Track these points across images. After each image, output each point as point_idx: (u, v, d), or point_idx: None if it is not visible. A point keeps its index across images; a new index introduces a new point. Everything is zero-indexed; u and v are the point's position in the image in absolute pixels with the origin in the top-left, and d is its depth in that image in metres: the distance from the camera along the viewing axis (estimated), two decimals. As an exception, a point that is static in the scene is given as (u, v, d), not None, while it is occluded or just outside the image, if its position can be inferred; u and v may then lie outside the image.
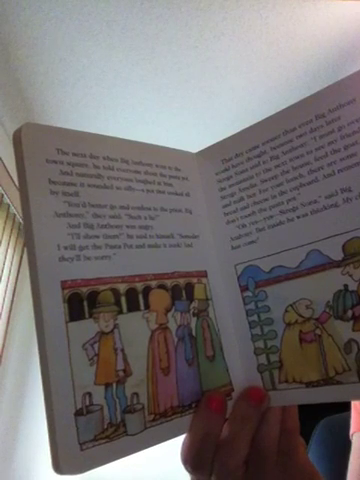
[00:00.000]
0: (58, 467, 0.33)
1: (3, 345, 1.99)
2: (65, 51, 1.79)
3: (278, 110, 0.44)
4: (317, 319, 0.41)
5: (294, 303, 0.42)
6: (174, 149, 0.47)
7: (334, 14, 1.68)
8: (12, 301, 2.10)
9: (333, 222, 0.41)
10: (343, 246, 0.40)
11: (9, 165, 1.94)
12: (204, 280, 0.44)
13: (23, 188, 0.37)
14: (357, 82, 0.42)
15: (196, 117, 2.19)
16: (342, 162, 0.41)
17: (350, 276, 0.39)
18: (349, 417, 0.87)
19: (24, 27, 1.67)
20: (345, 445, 0.82)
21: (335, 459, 0.94)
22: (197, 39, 1.77)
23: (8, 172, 1.96)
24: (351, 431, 0.84)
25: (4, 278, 2.01)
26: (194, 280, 0.44)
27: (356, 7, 1.65)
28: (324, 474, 0.93)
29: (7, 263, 2.03)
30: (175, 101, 2.09)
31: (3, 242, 2.01)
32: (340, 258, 0.40)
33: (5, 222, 2.05)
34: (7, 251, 2.04)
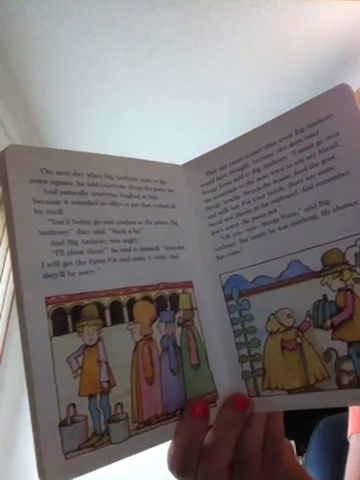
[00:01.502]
0: (43, 475, 0.34)
1: (3, 345, 2.00)
2: (65, 51, 1.80)
3: (277, 110, 0.45)
4: (298, 328, 0.42)
5: (276, 312, 0.43)
6: (160, 162, 0.48)
7: (334, 14, 1.68)
8: (12, 301, 2.10)
9: (312, 234, 0.42)
10: (322, 257, 0.41)
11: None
12: (189, 290, 0.45)
13: (8, 209, 0.38)
14: (334, 98, 0.42)
15: (195, 117, 2.20)
16: (320, 176, 0.42)
17: (329, 286, 0.40)
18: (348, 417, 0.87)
19: (24, 27, 1.68)
20: (345, 445, 0.82)
21: (335, 459, 0.95)
22: (197, 39, 1.78)
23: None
24: (349, 432, 0.85)
25: (4, 278, 2.02)
26: (179, 290, 0.45)
27: (356, 7, 1.65)
28: (324, 474, 0.95)
29: (7, 263, 2.04)
30: (175, 101, 2.09)
31: (3, 242, 2.01)
32: (319, 269, 0.41)
33: (5, 222, 2.05)
34: (7, 251, 2.05)
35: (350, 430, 0.85)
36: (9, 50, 1.77)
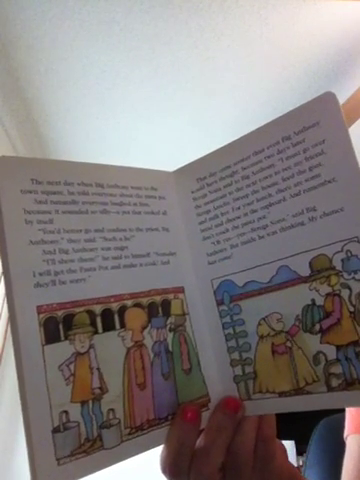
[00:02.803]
0: None
1: (3, 345, 2.00)
2: (65, 51, 1.80)
3: (277, 110, 0.46)
4: (288, 332, 0.42)
5: (266, 317, 0.43)
6: (151, 169, 0.49)
7: (334, 14, 1.68)
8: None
9: (300, 240, 0.43)
10: (310, 263, 0.42)
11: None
12: (181, 295, 0.46)
13: None
14: (320, 106, 0.43)
15: (196, 117, 2.19)
16: (307, 183, 0.43)
17: (317, 291, 0.41)
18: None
19: (24, 27, 1.68)
20: (344, 446, 0.83)
21: (334, 459, 0.95)
22: (197, 39, 1.77)
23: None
24: (345, 433, 0.85)
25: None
26: (171, 296, 0.45)
27: (356, 7, 1.65)
28: (323, 474, 0.95)
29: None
30: (175, 101, 2.09)
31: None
32: (307, 274, 0.42)
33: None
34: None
35: (346, 431, 0.85)
36: (9, 50, 1.77)
